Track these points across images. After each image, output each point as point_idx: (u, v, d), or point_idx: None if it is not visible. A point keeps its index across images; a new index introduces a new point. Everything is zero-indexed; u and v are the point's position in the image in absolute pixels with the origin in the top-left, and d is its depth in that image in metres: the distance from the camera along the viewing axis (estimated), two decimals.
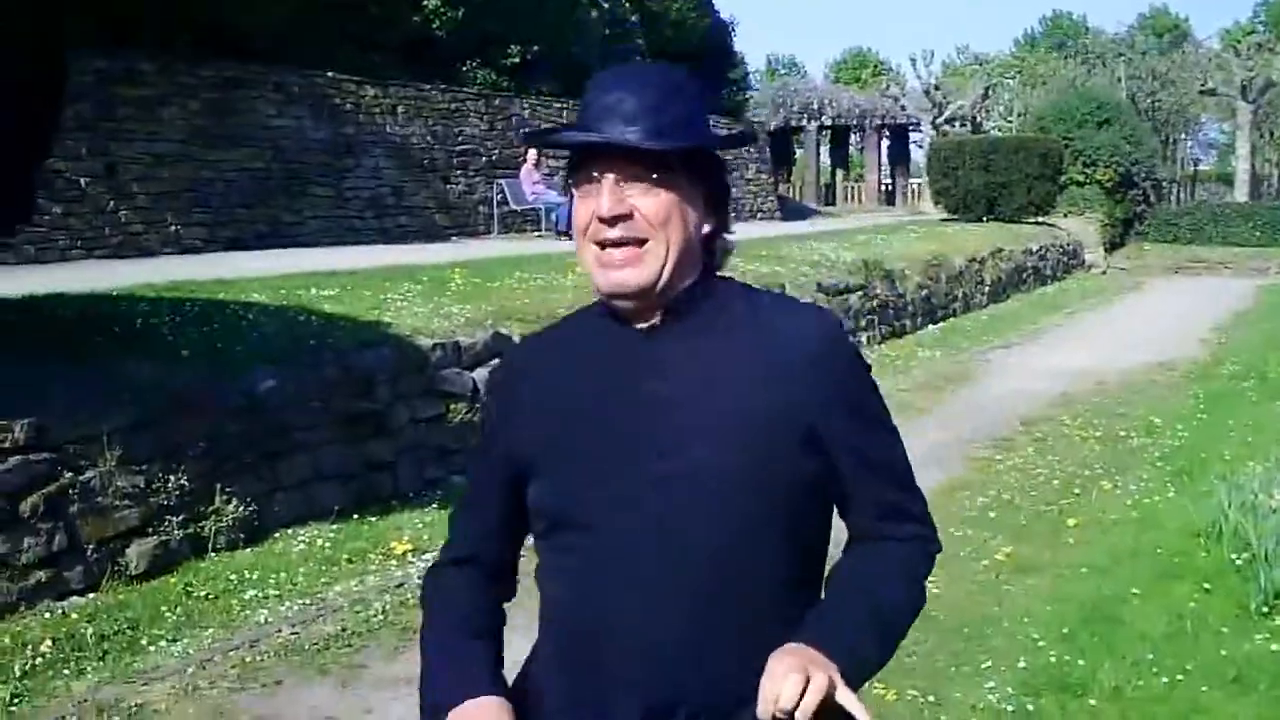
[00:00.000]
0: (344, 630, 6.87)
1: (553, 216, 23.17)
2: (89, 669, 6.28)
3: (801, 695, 1.96)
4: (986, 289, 24.70)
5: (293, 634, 6.82)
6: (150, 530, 7.58)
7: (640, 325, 2.27)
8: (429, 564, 7.51)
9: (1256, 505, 7.92)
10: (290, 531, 8.43)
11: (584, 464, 2.24)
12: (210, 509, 7.96)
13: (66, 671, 6.23)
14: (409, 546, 8.29)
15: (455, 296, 11.90)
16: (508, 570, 2.51)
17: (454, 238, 21.73)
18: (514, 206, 23.42)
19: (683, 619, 2.17)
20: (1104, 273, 33.66)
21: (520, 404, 2.37)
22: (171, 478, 7.71)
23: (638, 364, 2.25)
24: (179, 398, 7.95)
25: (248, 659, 6.46)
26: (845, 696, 2.02)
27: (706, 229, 2.27)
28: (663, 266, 2.20)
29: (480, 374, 10.66)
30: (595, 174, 2.20)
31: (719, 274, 2.33)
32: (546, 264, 14.73)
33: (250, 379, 8.53)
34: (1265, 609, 6.72)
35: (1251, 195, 46.91)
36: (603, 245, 2.20)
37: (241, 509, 8.12)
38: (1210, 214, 39.33)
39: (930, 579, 2.33)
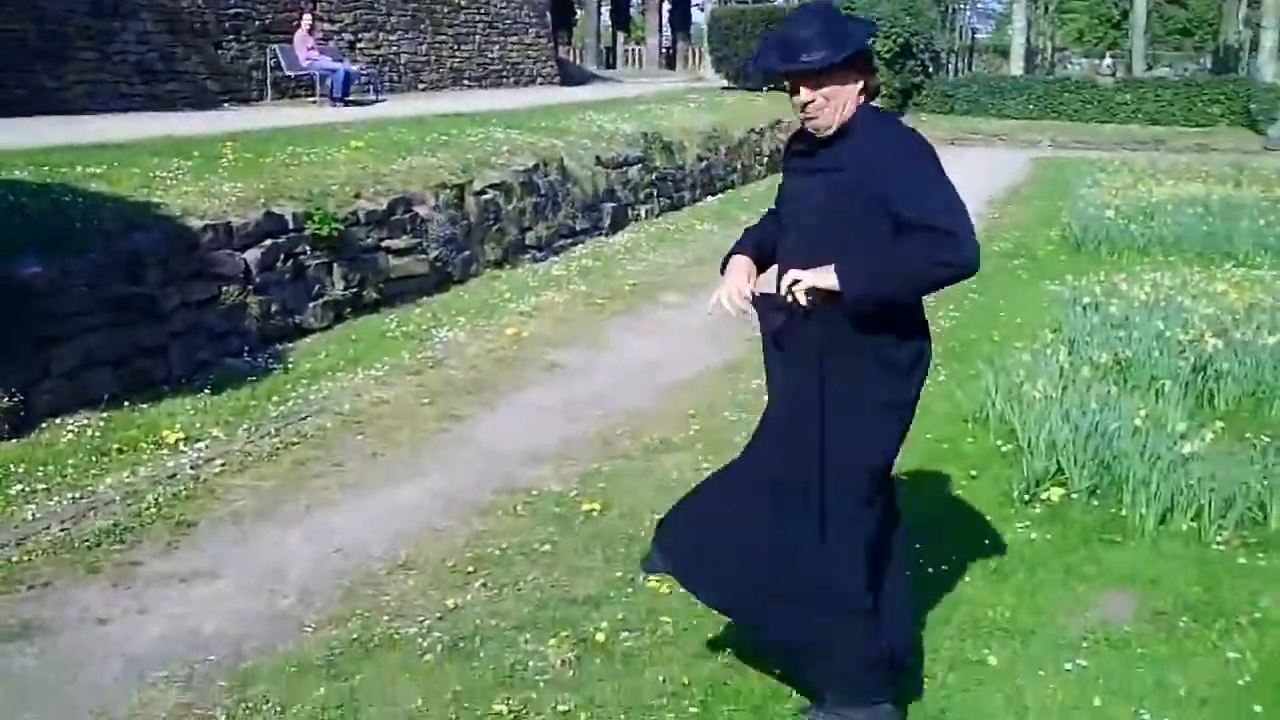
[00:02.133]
0: (116, 526, 6.72)
1: (327, 83, 22.67)
2: None
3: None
4: (765, 160, 24.90)
5: (62, 531, 6.65)
6: None
7: (821, 134, 4.30)
8: (207, 451, 7.38)
9: (1021, 394, 8.16)
10: (59, 421, 8.20)
11: (789, 196, 4.53)
12: None
13: None
14: (181, 435, 8.14)
15: (226, 173, 11.59)
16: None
17: (226, 104, 21.15)
18: (288, 72, 22.84)
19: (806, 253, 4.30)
20: None
21: (785, 162, 4.66)
22: None
23: (818, 153, 4.34)
24: None
25: (14, 559, 6.28)
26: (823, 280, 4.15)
27: (860, 86, 4.24)
28: (834, 118, 4.23)
29: (253, 254, 10.47)
30: (791, 82, 4.25)
31: (866, 106, 4.30)
32: (320, 137, 14.41)
33: (14, 265, 8.23)
34: (1026, 496, 6.97)
35: (1026, 68, 47.88)
36: (802, 109, 4.25)
37: (6, 399, 7.87)
38: (986, 86, 40.08)
39: None
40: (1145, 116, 37.18)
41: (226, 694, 5.04)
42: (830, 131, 4.21)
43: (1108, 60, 58.01)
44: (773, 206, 4.69)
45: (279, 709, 4.91)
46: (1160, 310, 10.37)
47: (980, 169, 25.48)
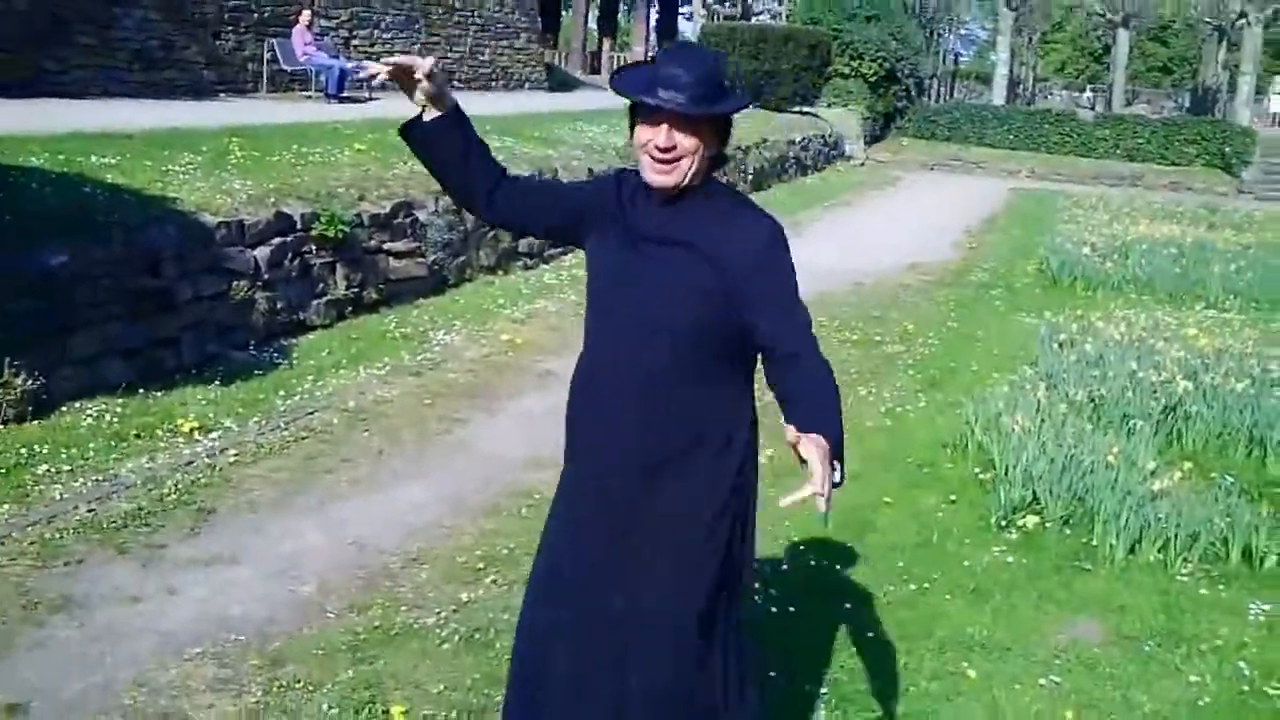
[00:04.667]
0: (140, 509, 7.07)
1: (322, 78, 22.95)
2: None
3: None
4: (750, 177, 25.28)
5: (89, 512, 7.00)
6: None
7: (662, 196, 3.64)
8: (221, 440, 7.76)
9: (1000, 425, 8.57)
10: (78, 405, 8.54)
11: (610, 265, 3.74)
12: None
13: None
14: (195, 424, 8.48)
15: (236, 170, 11.92)
16: (502, 196, 3.93)
17: (223, 95, 21.38)
18: (284, 66, 23.11)
19: (645, 352, 3.62)
20: (863, 164, 34.65)
21: (600, 207, 3.81)
22: None
23: (655, 219, 3.67)
24: None
25: (47, 536, 6.63)
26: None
27: (712, 152, 3.63)
28: (685, 176, 3.58)
29: (262, 252, 10.81)
30: (657, 120, 3.53)
31: (713, 179, 3.71)
32: (323, 136, 14.74)
33: (41, 254, 8.56)
34: (1003, 522, 7.38)
35: (1008, 98, 48.56)
36: (653, 157, 3.56)
37: (30, 382, 8.20)
38: (968, 114, 40.75)
39: None
40: (1123, 152, 37.84)
41: (259, 672, 5.39)
42: (670, 191, 3.59)
43: (1088, 93, 58.74)
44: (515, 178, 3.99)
45: (310, 688, 5.26)
46: (1133, 350, 10.80)
47: (959, 196, 26.00)
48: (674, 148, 3.51)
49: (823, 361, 3.53)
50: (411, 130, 3.80)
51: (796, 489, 3.03)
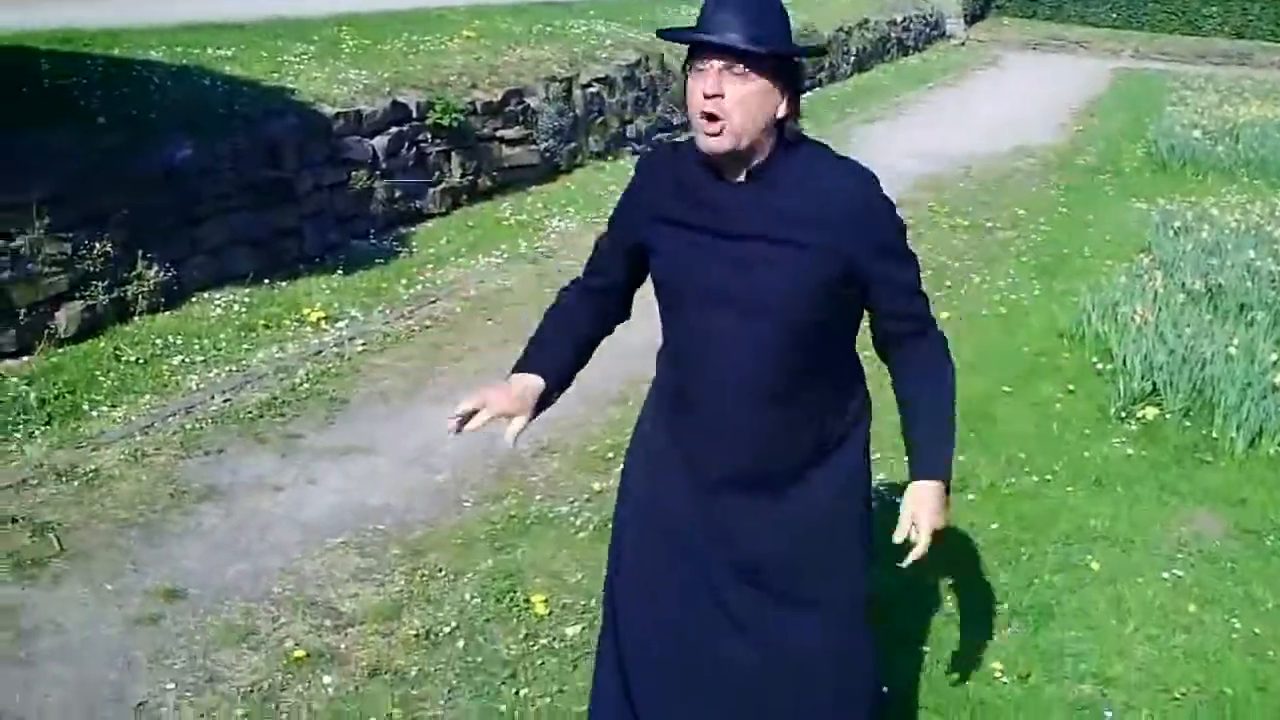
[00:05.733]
0: (274, 399, 7.28)
1: None
2: (37, 433, 6.65)
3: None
4: (852, 59, 25.06)
5: (225, 402, 7.22)
6: (77, 295, 7.87)
7: (732, 180, 3.09)
8: (347, 330, 7.98)
9: (1118, 314, 8.57)
10: (206, 296, 8.78)
11: (686, 265, 3.16)
12: (133, 274, 8.26)
13: (18, 435, 6.59)
14: (322, 314, 8.68)
15: (349, 59, 12.03)
16: (625, 299, 3.53)
17: None
18: None
19: (742, 374, 3.15)
20: (963, 44, 34.14)
21: (647, 203, 3.27)
22: (96, 244, 7.98)
23: (729, 209, 3.09)
24: (101, 167, 8.16)
25: (188, 426, 6.86)
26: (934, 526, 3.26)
27: (782, 113, 3.02)
28: (741, 137, 2.98)
29: (379, 141, 10.95)
30: (707, 62, 2.96)
31: (792, 143, 3.09)
32: (430, 24, 14.76)
33: (168, 148, 8.73)
34: (1123, 414, 7.41)
35: None
36: (703, 116, 2.97)
37: (162, 274, 8.42)
38: None
39: None
40: (1231, 29, 36.91)
41: (401, 561, 5.58)
42: (725, 151, 2.99)
43: None
44: (588, 277, 3.57)
45: (452, 576, 5.45)
46: (1250, 238, 10.70)
47: (1062, 76, 25.65)
48: (720, 95, 2.92)
49: (942, 353, 3.35)
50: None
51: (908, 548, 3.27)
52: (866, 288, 3.14)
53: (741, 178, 3.08)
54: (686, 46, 3.01)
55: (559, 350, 3.48)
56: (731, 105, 2.93)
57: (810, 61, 20.80)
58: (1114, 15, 38.10)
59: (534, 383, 3.37)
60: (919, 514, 3.26)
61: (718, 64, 2.93)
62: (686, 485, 3.32)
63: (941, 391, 3.34)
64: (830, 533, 3.31)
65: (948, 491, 3.33)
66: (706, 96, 2.94)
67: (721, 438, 3.23)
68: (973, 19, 36.98)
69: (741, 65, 2.92)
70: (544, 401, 3.40)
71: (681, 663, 3.37)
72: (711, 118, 2.94)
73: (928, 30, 32.42)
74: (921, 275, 3.25)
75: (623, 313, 3.58)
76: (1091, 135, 19.05)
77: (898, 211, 3.17)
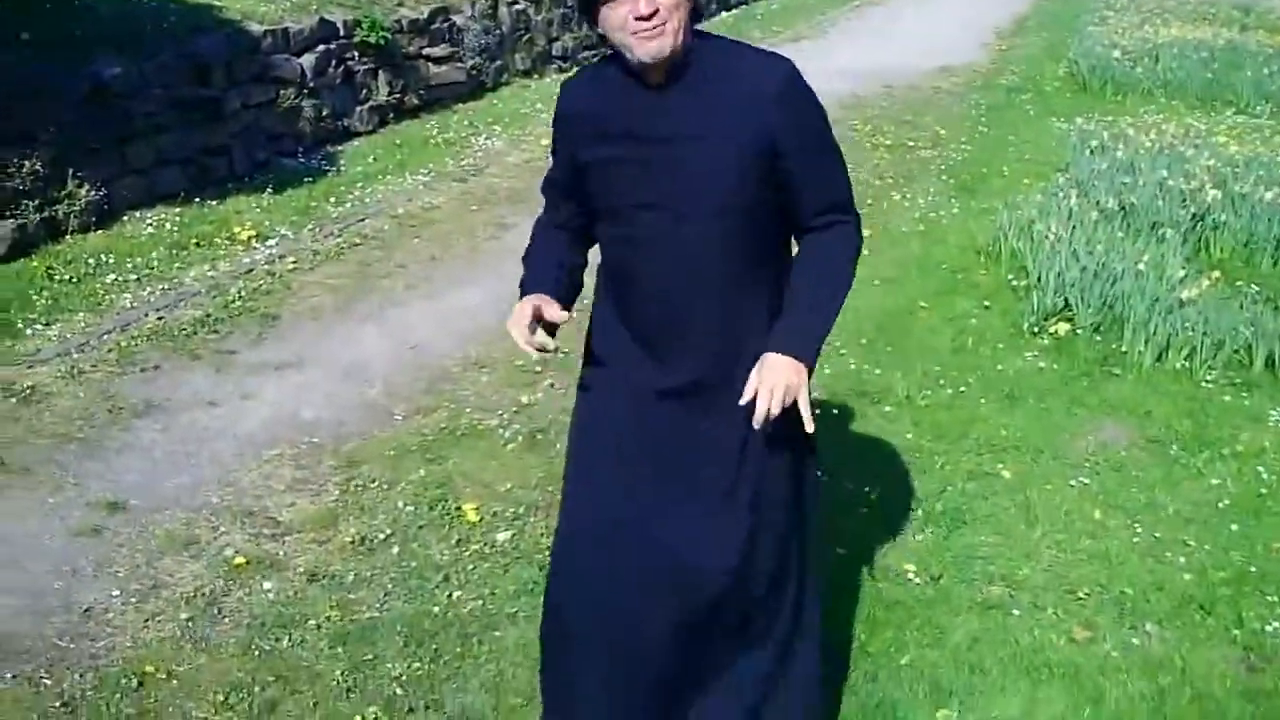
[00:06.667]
0: (207, 316, 7.40)
1: None
2: None
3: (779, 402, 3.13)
4: None
5: (159, 319, 7.33)
6: (8, 214, 7.92)
7: (653, 81, 3.17)
8: (278, 248, 8.02)
9: (1033, 232, 8.79)
10: (138, 214, 8.85)
11: (620, 177, 3.26)
12: (63, 193, 8.31)
13: None
14: (252, 232, 8.79)
15: None
16: (585, 229, 3.51)
17: None
18: None
19: (684, 278, 3.26)
20: None
21: (577, 131, 3.35)
22: (25, 163, 8.03)
23: (653, 112, 3.18)
24: (27, 84, 8.19)
25: (122, 343, 6.97)
26: (803, 403, 3.19)
27: (689, 4, 3.11)
28: (676, 36, 3.07)
29: (307, 59, 10.99)
30: None
31: (699, 32, 3.19)
32: None
33: (96, 66, 8.76)
34: (1036, 329, 7.64)
35: None
36: (635, 32, 3.04)
37: (92, 192, 8.48)
38: None
39: None
40: None
41: (335, 472, 5.75)
42: (667, 53, 3.07)
43: None
44: (549, 213, 3.61)
45: (385, 486, 5.62)
46: (1164, 158, 10.95)
47: None
48: (655, 12, 3.00)
49: (844, 240, 3.33)
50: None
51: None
52: (789, 173, 3.19)
53: (663, 80, 3.15)
54: None
55: (556, 275, 3.44)
56: (666, 9, 3.01)
57: None
58: None
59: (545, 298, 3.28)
60: (764, 376, 3.13)
61: None
62: (634, 395, 3.40)
63: (826, 276, 3.30)
64: (771, 447, 3.35)
65: (810, 374, 3.22)
66: (641, 18, 3.00)
67: (667, 343, 3.33)
68: None
69: None
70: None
71: (622, 553, 3.40)
72: (649, 18, 3.00)
73: None
74: (847, 171, 3.34)
75: (590, 236, 3.56)
76: (1014, 55, 19.21)
77: (818, 98, 3.25)
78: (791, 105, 3.18)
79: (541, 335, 3.21)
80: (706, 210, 3.17)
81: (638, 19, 3.01)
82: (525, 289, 3.37)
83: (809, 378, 3.21)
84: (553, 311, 3.22)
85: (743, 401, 3.16)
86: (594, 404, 3.56)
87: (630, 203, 3.26)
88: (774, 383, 3.12)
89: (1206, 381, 7.09)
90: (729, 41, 3.30)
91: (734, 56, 3.24)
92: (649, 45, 3.05)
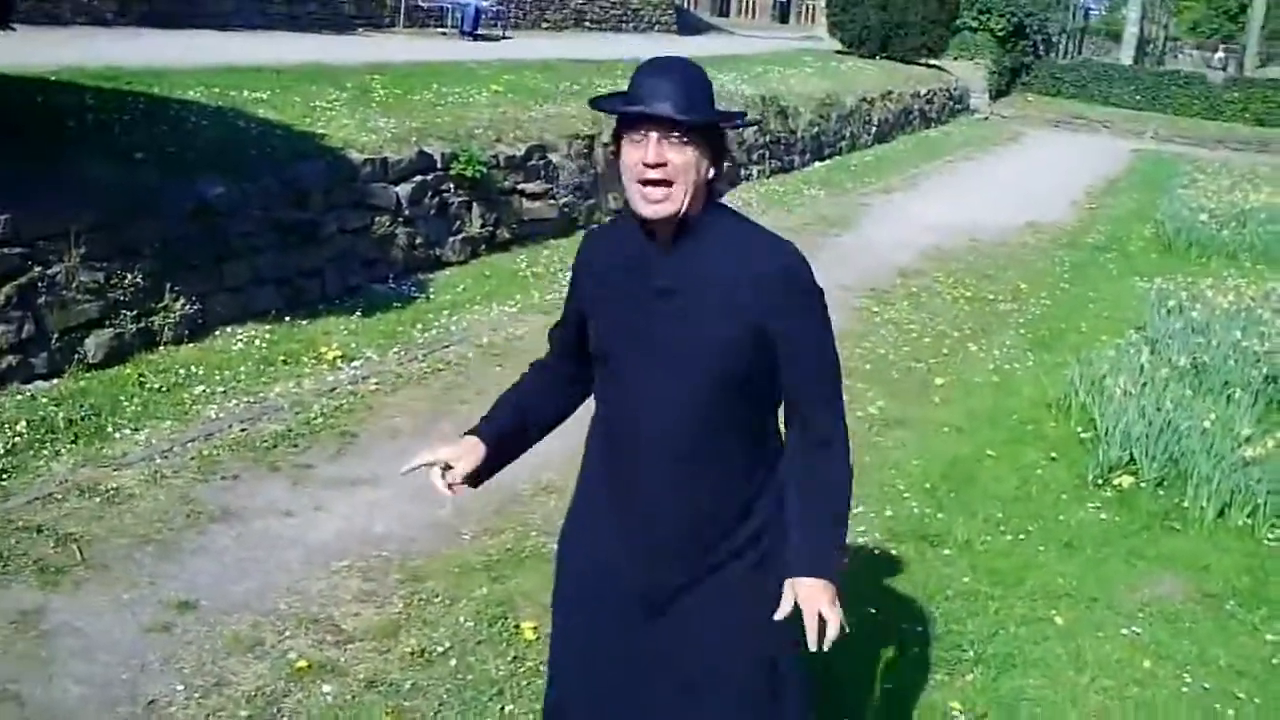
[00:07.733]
0: (289, 430, 7.63)
1: (458, 15, 23.54)
2: (63, 451, 6.99)
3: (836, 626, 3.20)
4: (874, 129, 25.49)
5: (242, 430, 7.57)
6: (107, 323, 8.24)
7: (661, 238, 3.24)
8: (362, 369, 8.26)
9: (1104, 387, 8.89)
10: (230, 330, 9.15)
11: (618, 328, 3.34)
12: (160, 305, 8.63)
13: (45, 453, 6.93)
14: (338, 353, 9.04)
15: (379, 108, 12.48)
16: (581, 376, 3.62)
17: (360, 29, 21.98)
18: (420, 3, 23.67)
19: (658, 429, 3.30)
20: (986, 119, 34.63)
21: (587, 277, 3.49)
22: (128, 275, 8.36)
23: (658, 268, 3.26)
24: (136, 200, 8.56)
25: (205, 452, 7.20)
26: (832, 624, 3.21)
27: (710, 175, 3.21)
28: (683, 201, 3.15)
29: (404, 189, 11.35)
30: (642, 132, 3.13)
31: (717, 204, 3.32)
32: (460, 76, 15.24)
33: (200, 185, 9.13)
34: (1100, 481, 7.73)
35: (1137, 57, 48.01)
36: (644, 184, 3.13)
37: (188, 306, 8.81)
38: (1094, 72, 40.47)
39: None
40: (1252, 117, 37.31)
41: (401, 585, 5.92)
42: (668, 216, 3.15)
43: (1220, 54, 57.76)
44: (547, 355, 3.81)
45: (448, 601, 5.78)
46: (1240, 319, 11.02)
47: (1082, 155, 26.03)
48: (664, 164, 3.08)
49: (845, 463, 3.37)
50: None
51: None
52: (777, 350, 3.23)
53: (670, 238, 3.23)
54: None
55: (505, 421, 3.67)
56: (676, 171, 3.09)
57: (825, 121, 21.17)
58: (1137, 97, 38.61)
59: (476, 445, 3.58)
60: (807, 601, 3.21)
61: (654, 134, 3.09)
62: (619, 549, 3.42)
63: (832, 500, 3.35)
64: (752, 602, 3.34)
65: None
66: (648, 165, 3.09)
67: (650, 497, 3.35)
68: (997, 95, 37.52)
69: (677, 133, 3.09)
70: (488, 467, 3.62)
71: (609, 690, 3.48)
72: (657, 184, 3.10)
73: (951, 104, 32.90)
74: (840, 369, 3.38)
75: (581, 387, 3.67)
76: (1103, 214, 19.42)
77: (817, 278, 3.29)
78: (790, 283, 3.24)
79: (440, 483, 3.56)
80: (697, 366, 3.22)
81: (645, 165, 3.09)
82: (475, 427, 3.63)
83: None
84: (456, 471, 3.55)
85: (778, 617, 3.23)
86: (569, 610, 3.64)
87: (626, 352, 3.32)
88: (821, 604, 3.20)
89: (1269, 540, 7.14)
90: (745, 220, 3.38)
91: (744, 233, 3.31)
92: (649, 206, 3.14)
